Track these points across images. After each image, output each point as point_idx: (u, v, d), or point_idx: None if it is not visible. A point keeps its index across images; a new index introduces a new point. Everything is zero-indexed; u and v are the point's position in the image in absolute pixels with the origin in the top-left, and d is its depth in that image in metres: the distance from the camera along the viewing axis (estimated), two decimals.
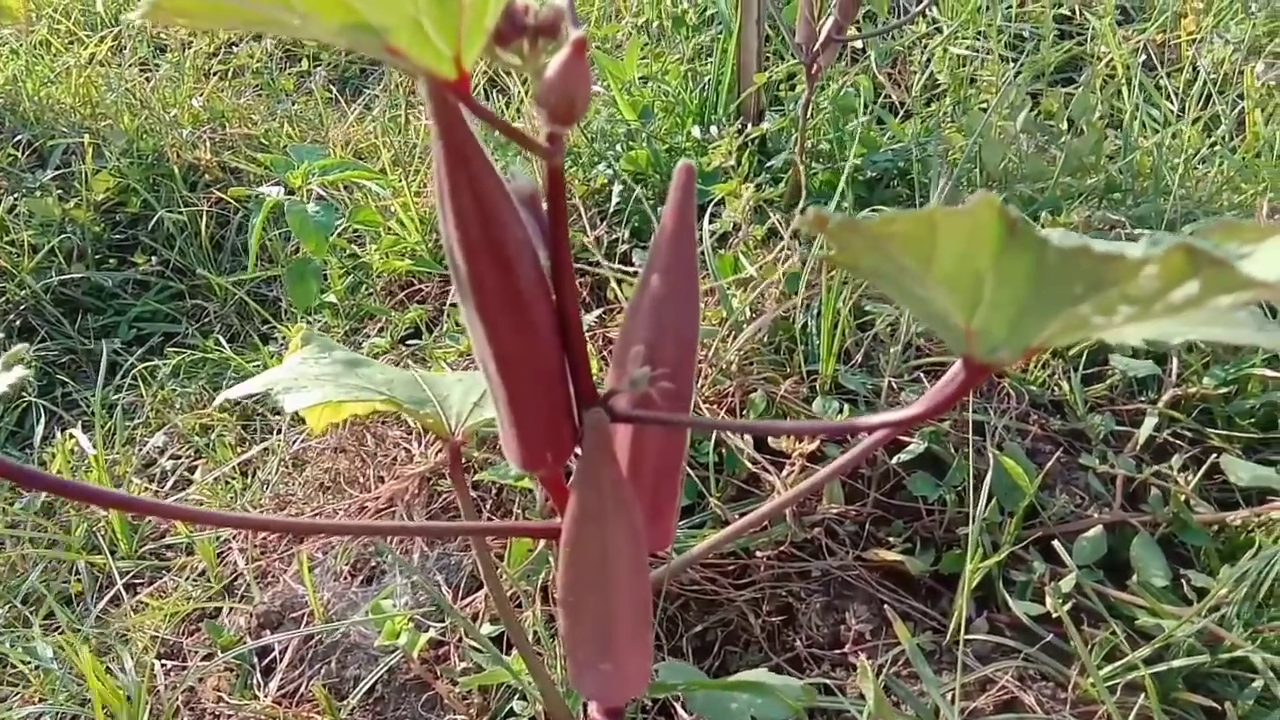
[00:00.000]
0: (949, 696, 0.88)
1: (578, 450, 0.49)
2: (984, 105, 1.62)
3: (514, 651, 0.88)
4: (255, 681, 1.00)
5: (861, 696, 0.91)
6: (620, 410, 0.48)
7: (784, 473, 1.05)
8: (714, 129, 1.61)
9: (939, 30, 1.98)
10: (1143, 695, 0.87)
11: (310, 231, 1.34)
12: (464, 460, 1.19)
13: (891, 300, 1.26)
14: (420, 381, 0.73)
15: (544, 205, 0.47)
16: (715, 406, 1.11)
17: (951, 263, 0.33)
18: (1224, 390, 1.20)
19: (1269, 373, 1.18)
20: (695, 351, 0.51)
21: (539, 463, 0.50)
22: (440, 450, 1.19)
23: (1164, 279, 0.29)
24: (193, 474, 1.46)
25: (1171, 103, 1.68)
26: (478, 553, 0.64)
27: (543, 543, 1.00)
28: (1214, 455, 1.13)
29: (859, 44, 1.95)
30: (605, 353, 1.25)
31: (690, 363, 0.51)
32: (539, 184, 0.48)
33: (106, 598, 1.22)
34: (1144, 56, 1.76)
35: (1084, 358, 1.27)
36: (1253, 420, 1.20)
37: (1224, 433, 1.18)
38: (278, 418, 1.55)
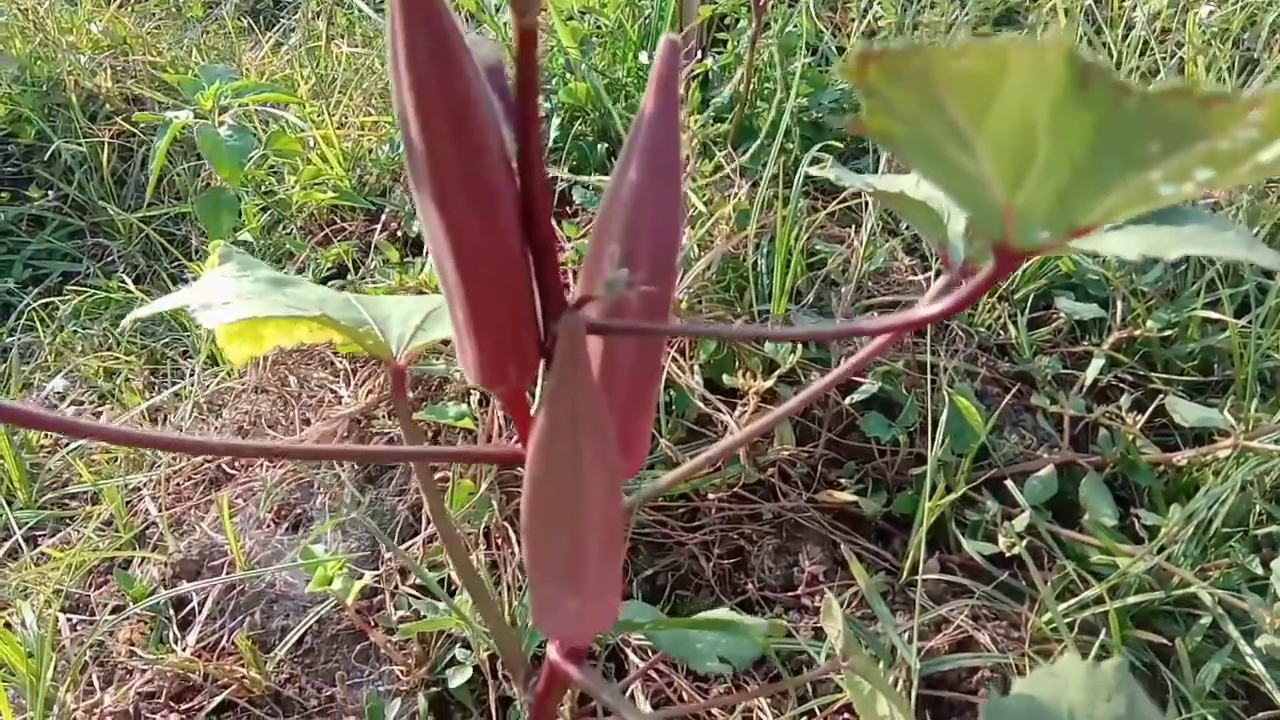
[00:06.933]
0: (906, 636, 0.86)
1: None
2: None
3: (457, 596, 0.83)
4: (171, 634, 0.93)
5: (817, 636, 0.89)
6: (593, 319, 0.43)
7: (736, 413, 1.01)
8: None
9: None
10: (1103, 632, 0.86)
11: (223, 156, 1.24)
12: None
13: (844, 241, 1.23)
14: (355, 302, 0.67)
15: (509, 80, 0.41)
16: (666, 346, 1.06)
17: (1009, 116, 0.28)
18: (1166, 333, 1.20)
19: (1212, 314, 1.18)
20: (678, 249, 0.46)
21: (501, 377, 0.45)
22: (371, 392, 1.12)
23: (1268, 127, 0.25)
24: (97, 420, 1.35)
25: (1111, 54, 1.67)
26: (423, 484, 0.59)
27: (485, 486, 0.95)
28: (1157, 398, 1.13)
29: None
30: None
31: (672, 263, 0.46)
32: (503, 56, 0.43)
33: (3, 550, 1.12)
34: (1087, 1, 1.75)
35: (1029, 302, 1.26)
36: (1193, 363, 1.21)
37: (1166, 376, 1.19)
38: (189, 361, 1.45)
